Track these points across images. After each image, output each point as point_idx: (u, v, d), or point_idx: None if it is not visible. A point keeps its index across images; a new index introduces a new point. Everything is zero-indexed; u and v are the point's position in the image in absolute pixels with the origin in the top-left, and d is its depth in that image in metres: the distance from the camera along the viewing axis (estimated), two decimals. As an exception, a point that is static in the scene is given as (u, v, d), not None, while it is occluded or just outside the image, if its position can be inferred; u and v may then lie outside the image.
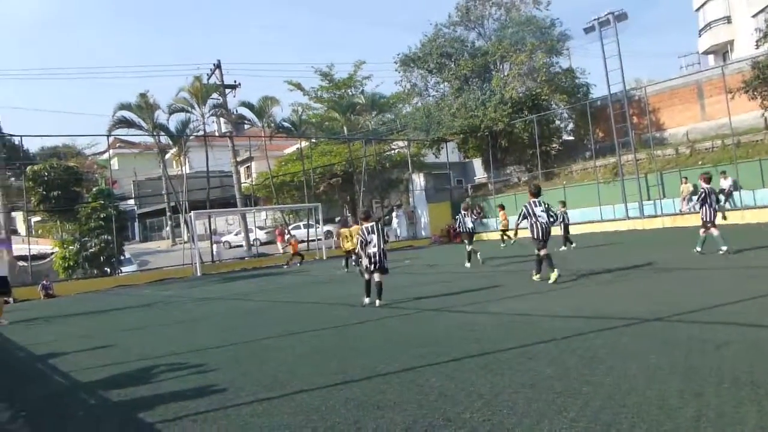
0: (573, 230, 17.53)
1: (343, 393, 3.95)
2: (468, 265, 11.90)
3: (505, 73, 32.94)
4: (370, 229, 8.99)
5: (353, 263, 15.60)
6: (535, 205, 9.78)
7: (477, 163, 37.76)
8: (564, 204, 17.88)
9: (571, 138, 35.24)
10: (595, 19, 25.99)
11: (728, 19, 38.34)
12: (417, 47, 34.84)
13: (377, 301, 8.67)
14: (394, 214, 33.47)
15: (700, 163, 24.62)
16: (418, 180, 34.14)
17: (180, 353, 6.26)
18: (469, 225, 13.99)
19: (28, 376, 6.08)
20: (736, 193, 21.96)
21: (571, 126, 35.05)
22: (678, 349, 4.25)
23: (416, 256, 20.76)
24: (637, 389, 3.39)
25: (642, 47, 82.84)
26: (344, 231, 16.62)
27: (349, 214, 36.80)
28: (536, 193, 10.03)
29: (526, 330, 5.61)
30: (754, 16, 33.60)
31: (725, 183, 22.06)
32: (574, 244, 16.43)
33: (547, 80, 31.54)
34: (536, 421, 3.01)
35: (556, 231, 23.91)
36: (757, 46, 24.60)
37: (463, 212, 14.24)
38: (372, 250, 8.82)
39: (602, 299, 7.16)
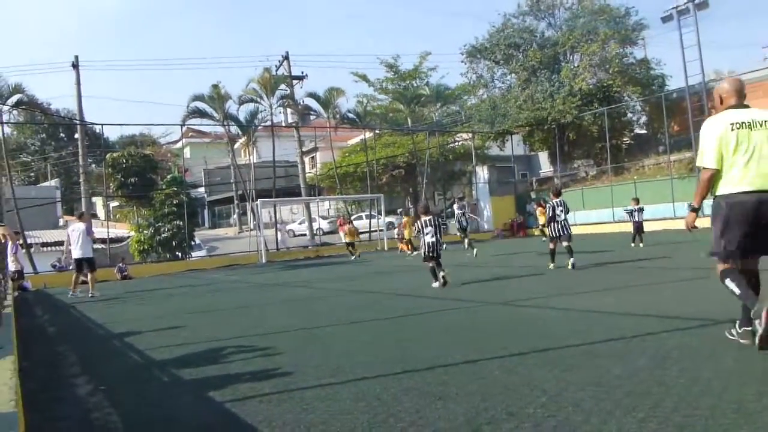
0: (645, 227, 16.88)
1: (405, 382, 3.97)
2: (551, 266, 11.69)
3: (576, 65, 32.04)
4: (428, 222, 9.99)
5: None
6: (557, 205, 11.39)
7: (543, 157, 36.98)
8: (637, 201, 17.24)
9: (644, 132, 33.95)
10: (673, 8, 24.89)
11: (822, 6, 35.73)
12: (484, 38, 34.33)
13: (440, 281, 9.75)
14: (455, 206, 33.17)
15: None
16: (482, 173, 33.79)
17: (246, 336, 6.46)
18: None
19: (106, 353, 6.43)
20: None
21: (644, 119, 33.78)
22: (755, 353, 4.02)
23: (480, 247, 20.59)
24: (712, 392, 3.24)
25: (723, 37, 78.68)
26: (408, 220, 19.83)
27: (411, 206, 36.82)
28: (558, 193, 11.83)
29: (592, 327, 5.47)
30: None
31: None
32: (642, 244, 15.81)
33: (620, 71, 30.48)
34: (603, 420, 2.93)
35: (618, 228, 23.17)
36: None
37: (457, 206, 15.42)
38: (429, 239, 9.87)
39: (675, 299, 6.88)
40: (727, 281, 4.10)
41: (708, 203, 4.39)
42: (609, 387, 3.48)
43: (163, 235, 24.27)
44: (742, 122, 4.04)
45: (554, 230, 11.51)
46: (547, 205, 11.67)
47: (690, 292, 7.44)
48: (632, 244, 16.02)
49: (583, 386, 3.53)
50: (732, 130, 4.04)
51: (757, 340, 3.85)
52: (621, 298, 7.24)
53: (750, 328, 4.05)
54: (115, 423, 3.68)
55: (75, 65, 25.97)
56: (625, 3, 32.49)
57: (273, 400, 3.80)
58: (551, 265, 11.45)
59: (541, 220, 21.19)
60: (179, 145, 48.14)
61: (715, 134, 4.11)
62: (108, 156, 26.73)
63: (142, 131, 54.63)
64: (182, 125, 31.67)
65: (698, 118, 25.29)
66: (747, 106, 4.20)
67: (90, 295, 13.26)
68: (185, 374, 4.79)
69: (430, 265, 10.05)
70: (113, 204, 42.39)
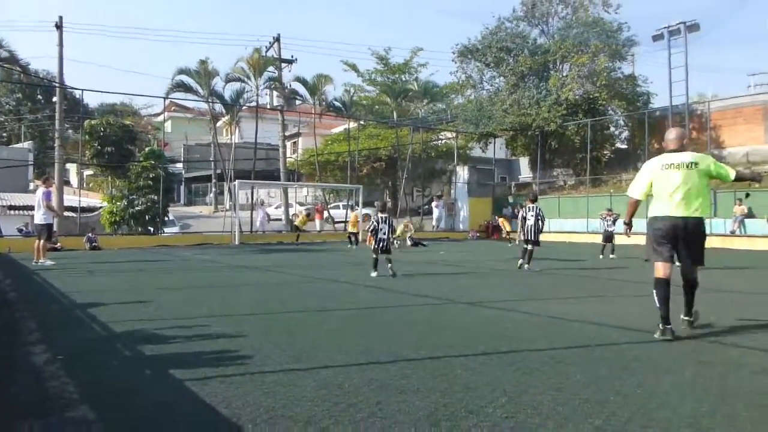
0: (617, 240, 17.11)
1: (367, 374, 3.98)
2: (527, 266, 12.38)
3: (564, 74, 32.30)
4: (383, 219, 11.22)
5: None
6: (529, 210, 12.52)
7: (523, 162, 37.28)
8: (610, 211, 17.47)
9: (625, 146, 34.39)
10: (665, 27, 25.22)
11: (806, 39, 36.57)
12: (477, 39, 34.40)
13: (386, 274, 10.84)
14: (433, 204, 33.31)
15: (756, 185, 23.71)
16: (462, 173, 33.92)
17: (213, 316, 6.41)
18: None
19: (67, 322, 6.31)
20: (792, 221, 21.10)
21: (626, 134, 34.20)
22: (713, 370, 4.13)
23: (452, 249, 20.69)
24: (668, 405, 3.31)
25: (710, 60, 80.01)
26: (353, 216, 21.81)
27: (389, 200, 36.84)
28: (534, 199, 12.89)
29: (558, 333, 5.53)
30: (834, 38, 31.95)
31: (782, 209, 21.25)
32: (612, 256, 16.03)
33: (607, 85, 30.81)
34: (560, 425, 2.97)
35: (591, 238, 23.52)
36: (834, 70, 23.43)
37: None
38: (381, 236, 11.11)
39: (639, 311, 6.99)
40: (654, 291, 5.40)
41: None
42: (568, 393, 3.52)
43: (136, 208, 23.88)
44: (671, 164, 5.29)
45: (524, 233, 12.50)
46: (522, 209, 12.73)
47: (654, 305, 7.56)
48: (600, 256, 16.23)
49: (544, 390, 3.57)
50: (663, 169, 5.33)
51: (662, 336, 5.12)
52: (587, 307, 7.34)
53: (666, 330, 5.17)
54: (71, 393, 3.62)
55: (58, 26, 25.34)
56: (619, 18, 32.83)
57: (234, 381, 3.78)
58: (524, 266, 12.38)
59: (506, 227, 24.98)
60: (161, 118, 47.40)
61: (649, 170, 5.43)
62: (86, 122, 26.15)
63: (124, 101, 53.64)
64: (165, 98, 31.12)
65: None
66: (684, 150, 5.38)
67: (34, 262, 13.06)
68: (147, 350, 4.73)
69: (374, 256, 11.15)
70: (87, 172, 41.60)
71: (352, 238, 23.03)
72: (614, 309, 7.20)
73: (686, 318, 5.55)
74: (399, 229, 21.91)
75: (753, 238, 21.59)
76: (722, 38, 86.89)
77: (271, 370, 4.05)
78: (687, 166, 5.23)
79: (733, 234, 22.33)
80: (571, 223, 28.58)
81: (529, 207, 12.66)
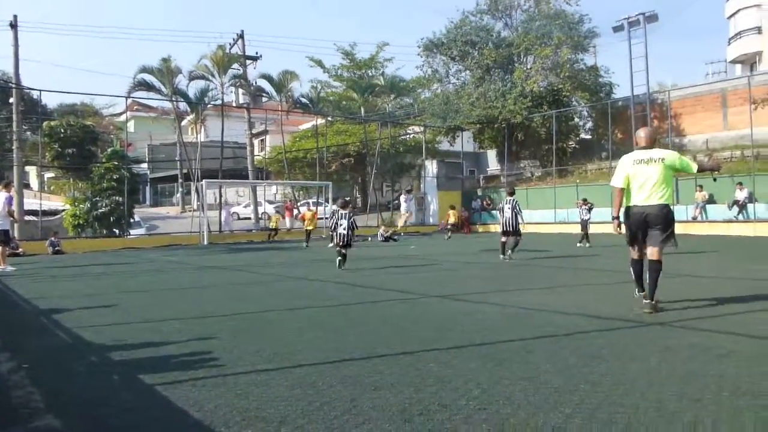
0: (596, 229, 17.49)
1: (341, 371, 3.97)
2: (501, 257, 12.87)
3: (528, 66, 32.66)
4: (343, 215, 11.70)
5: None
6: (506, 202, 12.92)
7: (491, 155, 37.60)
8: (585, 201, 17.79)
9: (589, 137, 34.97)
10: (624, 19, 25.66)
11: (759, 30, 37.76)
12: (442, 33, 34.54)
13: (342, 266, 11.38)
14: (402, 198, 33.36)
15: (717, 173, 24.37)
16: (431, 167, 34.07)
17: (182, 319, 6.32)
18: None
19: (31, 330, 6.15)
20: (750, 205, 21.75)
21: (590, 125, 34.80)
22: (679, 354, 4.23)
23: (422, 243, 20.78)
24: (636, 391, 3.38)
25: (669, 51, 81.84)
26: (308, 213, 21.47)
27: (359, 196, 36.82)
28: (511, 192, 13.34)
29: (528, 323, 5.61)
30: (785, 28, 33.02)
31: (740, 194, 21.89)
32: (588, 245, 16.27)
33: (570, 76, 31.25)
34: (531, 414, 3.01)
35: (559, 228, 23.91)
36: (787, 59, 24.22)
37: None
38: (341, 231, 11.59)
39: (607, 300, 7.13)
40: (631, 268, 6.42)
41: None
42: (539, 382, 3.57)
43: (100, 211, 23.40)
44: (641, 159, 6.08)
45: (502, 225, 12.89)
46: (501, 202, 13.26)
47: (622, 293, 7.72)
48: (578, 244, 16.45)
49: (515, 381, 3.62)
50: (634, 164, 6.12)
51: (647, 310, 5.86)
52: (557, 297, 7.46)
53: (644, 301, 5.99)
54: (37, 403, 3.53)
55: (13, 25, 24.61)
56: (580, 10, 33.33)
57: (206, 384, 3.73)
58: (501, 257, 12.76)
59: (452, 220, 25.32)
60: (123, 117, 46.40)
61: (624, 165, 6.25)
62: (45, 124, 25.50)
63: (84, 101, 52.37)
64: (127, 97, 30.48)
65: (641, 127, 26.23)
66: (653, 147, 6.23)
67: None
68: (115, 355, 4.64)
69: (336, 249, 11.86)
70: (48, 175, 40.55)
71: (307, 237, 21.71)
72: (582, 298, 7.33)
73: (647, 300, 5.93)
74: (400, 222, 24.07)
75: (714, 223, 22.20)
76: (681, 28, 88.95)
77: (243, 371, 4.02)
78: (655, 161, 5.99)
79: (694, 220, 22.92)
80: (539, 214, 28.95)
81: (506, 200, 13.05)
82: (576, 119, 34.10)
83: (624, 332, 5.11)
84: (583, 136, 35.10)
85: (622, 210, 6.31)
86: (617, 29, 26.31)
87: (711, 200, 23.07)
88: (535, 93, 31.04)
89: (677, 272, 9.66)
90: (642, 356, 4.21)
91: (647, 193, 5.97)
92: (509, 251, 12.80)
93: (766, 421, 2.87)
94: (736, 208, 22.02)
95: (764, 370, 3.77)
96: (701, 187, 22.96)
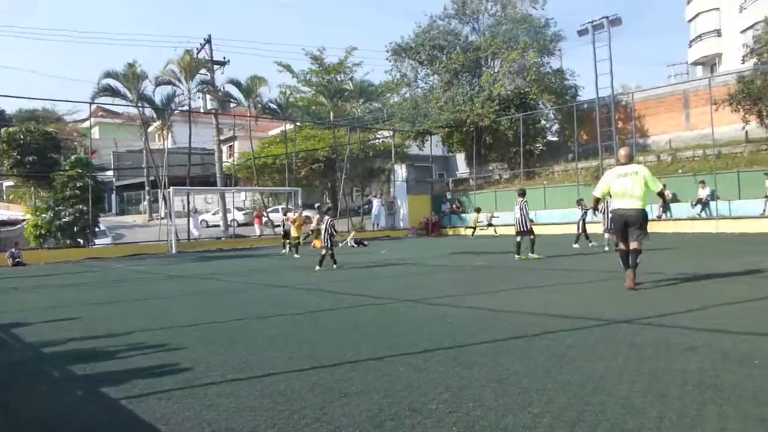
0: (552, 230, 17.60)
1: (311, 378, 3.94)
2: (516, 257, 13.30)
3: (496, 70, 33.00)
4: (328, 221, 13.16)
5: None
6: (516, 204, 13.63)
7: (460, 158, 37.84)
8: (578, 202, 17.83)
9: (556, 139, 35.47)
10: (589, 22, 26.09)
11: (718, 33, 38.82)
12: (410, 37, 34.68)
13: (318, 267, 12.70)
14: (374, 202, 33.39)
15: (680, 171, 24.98)
16: (400, 171, 34.14)
17: (149, 330, 6.20)
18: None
19: (-9, 344, 5.96)
20: (712, 203, 22.31)
21: (556, 127, 35.29)
22: (645, 351, 4.31)
23: (393, 248, 20.82)
24: (603, 389, 3.42)
25: (633, 53, 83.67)
26: (300, 219, 19.87)
27: (329, 202, 36.68)
28: (522, 193, 13.98)
29: (498, 325, 5.65)
30: (742, 32, 34.05)
31: (703, 192, 22.45)
32: (591, 243, 16.11)
33: (537, 80, 31.66)
34: (501, 416, 3.03)
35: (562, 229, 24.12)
36: (744, 61, 25.00)
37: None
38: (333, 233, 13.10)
39: (575, 300, 7.24)
40: (619, 257, 7.90)
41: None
42: (508, 384, 3.60)
43: (63, 220, 22.81)
44: (621, 173, 7.78)
45: (516, 226, 13.55)
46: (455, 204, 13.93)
47: (590, 293, 7.86)
48: (591, 243, 16.15)
49: (485, 383, 3.63)
50: (616, 177, 7.81)
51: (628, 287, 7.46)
52: (525, 298, 7.53)
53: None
54: (-6, 421, 3.42)
55: (-30, 32, 23.90)
56: (545, 14, 33.84)
57: (173, 396, 3.66)
58: (516, 257, 13.24)
59: (294, 231, 19.84)
60: (87, 124, 45.42)
61: (607, 178, 8.03)
62: (3, 130, 24.76)
63: (46, 106, 51.10)
64: (91, 103, 29.82)
65: (606, 128, 26.75)
66: (630, 163, 7.95)
67: None
68: (78, 369, 4.52)
69: (323, 252, 13.01)
70: (7, 183, 39.44)
71: (293, 244, 19.51)
72: (551, 298, 7.42)
73: (631, 268, 7.64)
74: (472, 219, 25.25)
75: (678, 221, 22.71)
76: (644, 31, 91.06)
77: (212, 382, 3.96)
78: (632, 174, 7.66)
79: (659, 218, 23.40)
80: (509, 216, 29.19)
81: (517, 201, 13.67)
82: (543, 122, 34.56)
83: (592, 331, 5.18)
84: (549, 138, 35.59)
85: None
86: (582, 33, 26.73)
87: (675, 199, 23.60)
88: (503, 96, 31.38)
89: (643, 269, 9.85)
90: (609, 354, 4.27)
91: (627, 201, 7.62)
92: (528, 252, 13.29)
93: (728, 415, 2.94)
94: (699, 206, 22.57)
95: (726, 364, 3.86)
96: (664, 186, 23.48)
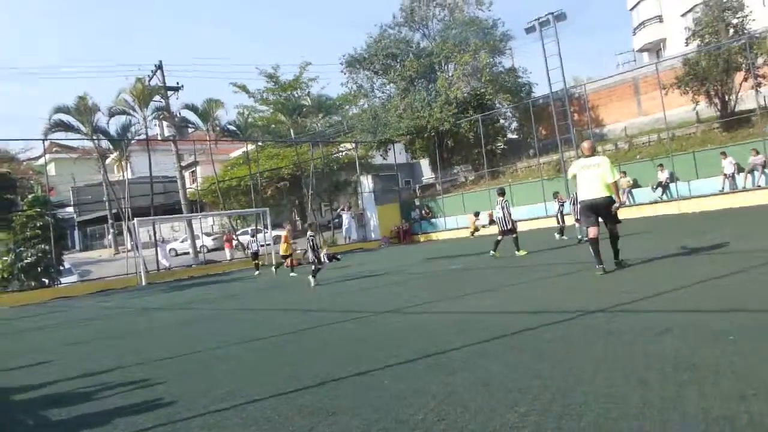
0: (520, 226, 17.69)
1: (297, 400, 3.90)
2: (492, 253, 13.60)
3: (450, 74, 33.37)
4: (312, 236, 13.76)
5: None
6: (497, 203, 13.87)
7: (424, 164, 38.08)
8: (555, 194, 18.36)
9: (516, 137, 35.99)
10: (535, 20, 26.59)
11: (660, 18, 40.00)
12: (363, 48, 34.87)
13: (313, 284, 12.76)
14: (344, 216, 33.29)
15: (638, 157, 25.58)
16: (367, 182, 34.17)
17: (125, 367, 6.05)
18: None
19: (-41, 399, 5.74)
20: (672, 185, 22.89)
21: (515, 125, 35.81)
22: (621, 338, 4.38)
23: (366, 259, 20.77)
24: (585, 380, 3.47)
25: (581, 46, 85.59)
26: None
27: (298, 218, 36.48)
28: (501, 193, 14.09)
29: (477, 328, 5.67)
30: (683, 15, 35.18)
31: (662, 175, 23.03)
32: (565, 237, 16.21)
33: (491, 80, 32.11)
34: (489, 418, 3.04)
35: (488, 230, 24.44)
36: (687, 44, 25.78)
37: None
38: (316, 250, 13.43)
39: (550, 294, 7.33)
40: (590, 246, 8.31)
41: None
42: (492, 385, 3.62)
43: (25, 261, 22.14)
44: (584, 165, 8.34)
45: (499, 225, 13.80)
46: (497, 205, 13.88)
47: (564, 286, 7.96)
48: (556, 236, 16.26)
49: (469, 387, 3.65)
50: (581, 168, 8.37)
51: (599, 273, 7.96)
52: (501, 298, 7.60)
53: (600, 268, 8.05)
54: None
55: None
56: (492, 15, 34.39)
57: (155, 434, 3.58)
58: (491, 253, 13.69)
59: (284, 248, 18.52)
60: (42, 161, 44.29)
61: (573, 169, 8.64)
62: (-45, 177, 24.01)
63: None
64: (44, 139, 29.09)
65: (562, 122, 27.24)
66: (593, 155, 8.42)
67: None
68: (53, 414, 4.39)
69: (317, 267, 13.27)
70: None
71: (278, 263, 19.32)
72: (526, 295, 7.50)
73: (616, 261, 8.37)
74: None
75: (641, 206, 23.22)
76: (589, 23, 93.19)
77: (194, 415, 3.88)
78: (594, 166, 8.21)
79: (623, 204, 23.88)
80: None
81: (497, 200, 13.90)
82: (501, 121, 35.04)
83: (569, 323, 5.24)
84: (510, 136, 36.10)
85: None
86: (529, 30, 27.22)
87: (636, 185, 24.14)
88: (460, 99, 31.73)
89: (610, 256, 10.04)
90: (587, 345, 4.34)
91: (594, 190, 8.15)
92: (514, 251, 13.50)
93: (708, 393, 3.01)
94: (659, 189, 23.13)
95: (700, 343, 3.96)
96: (624, 173, 24.01)
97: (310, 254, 13.56)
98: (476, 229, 26.25)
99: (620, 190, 9.72)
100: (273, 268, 19.71)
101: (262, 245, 28.27)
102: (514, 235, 13.65)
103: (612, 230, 8.29)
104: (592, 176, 8.16)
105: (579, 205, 8.77)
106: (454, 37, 32.70)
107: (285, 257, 18.50)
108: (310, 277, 13.04)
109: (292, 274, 17.63)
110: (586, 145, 8.65)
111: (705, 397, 2.96)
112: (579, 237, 14.63)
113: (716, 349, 3.74)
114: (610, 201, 8.13)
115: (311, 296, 11.07)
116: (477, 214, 27.07)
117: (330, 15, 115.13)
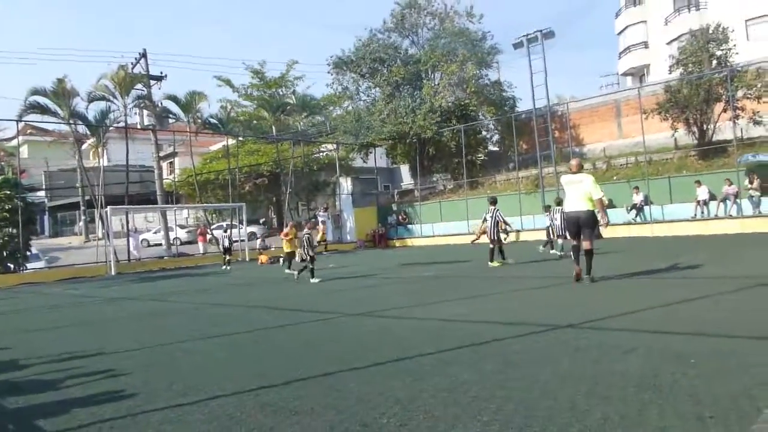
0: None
1: (260, 398, 3.87)
2: (490, 264, 13.49)
3: (436, 83, 33.52)
4: (308, 234, 13.64)
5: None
6: (488, 212, 13.83)
7: (404, 170, 38.16)
8: (546, 208, 17.66)
9: (497, 149, 36.30)
10: (524, 36, 26.87)
11: (646, 45, 40.77)
12: (351, 51, 34.85)
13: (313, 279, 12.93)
14: (318, 214, 33.17)
15: (615, 178, 25.96)
16: (346, 184, 34.12)
17: (88, 356, 5.94)
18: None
19: None
20: (646, 208, 23.28)
21: (496, 137, 36.12)
22: (588, 354, 4.43)
23: (341, 261, 20.68)
24: (549, 393, 3.50)
25: (567, 64, 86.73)
26: (292, 232, 16.75)
27: (274, 216, 36.24)
28: (493, 202, 14.08)
29: (446, 335, 5.69)
30: (668, 44, 35.87)
31: (637, 198, 23.42)
32: (552, 251, 15.67)
33: (476, 91, 32.35)
34: (451, 425, 3.05)
35: (465, 239, 24.43)
36: (670, 71, 26.27)
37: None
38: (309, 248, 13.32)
39: (521, 306, 7.39)
40: (571, 252, 9.22)
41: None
42: (457, 393, 3.63)
43: (-9, 245, 21.66)
44: (570, 181, 9.10)
45: (489, 234, 13.71)
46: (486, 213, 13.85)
47: (536, 300, 8.04)
48: (541, 248, 15.87)
49: (435, 393, 3.66)
50: (567, 184, 9.17)
51: (574, 278, 8.94)
52: (473, 307, 7.63)
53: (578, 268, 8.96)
54: None
55: None
56: (482, 28, 34.66)
57: (115, 426, 3.53)
58: (489, 264, 13.47)
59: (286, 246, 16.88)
60: (15, 142, 43.38)
61: (563, 182, 9.28)
62: (-76, 153, 23.39)
63: (-30, 127, 48.51)
64: (18, 121, 28.49)
65: (543, 138, 27.54)
66: (579, 172, 9.15)
67: None
68: (10, 402, 4.29)
69: (309, 265, 13.25)
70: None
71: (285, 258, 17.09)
72: (498, 306, 7.55)
73: (587, 276, 8.86)
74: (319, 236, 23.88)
75: (615, 226, 23.52)
76: (576, 43, 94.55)
77: (156, 408, 3.83)
78: (579, 183, 8.94)
79: (608, 224, 24.14)
80: (453, 225, 29.64)
81: (488, 209, 13.87)
82: (483, 132, 35.32)
83: (538, 336, 5.29)
84: (491, 148, 36.40)
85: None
86: (517, 46, 27.50)
87: (611, 205, 24.48)
88: (444, 108, 31.90)
89: (582, 275, 10.16)
90: (554, 359, 4.38)
91: (576, 204, 8.89)
92: (503, 259, 13.67)
93: (667, 414, 3.05)
94: (633, 211, 23.50)
95: (664, 364, 4.02)
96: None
97: (303, 251, 13.49)
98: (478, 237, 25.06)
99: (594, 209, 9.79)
100: (295, 273, 14.80)
101: (235, 241, 28.05)
102: (499, 244, 13.68)
103: (588, 245, 8.86)
104: (576, 191, 8.91)
105: (564, 216, 9.89)
106: (442, 46, 32.89)
107: (290, 254, 16.47)
108: (312, 279, 13.01)
109: (287, 271, 15.73)
110: (573, 162, 9.33)
111: (664, 417, 3.01)
112: (559, 253, 14.75)
113: (678, 372, 3.80)
114: (590, 214, 8.85)
115: (284, 294, 11.01)
116: (486, 220, 25.74)
117: (319, 16, 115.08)
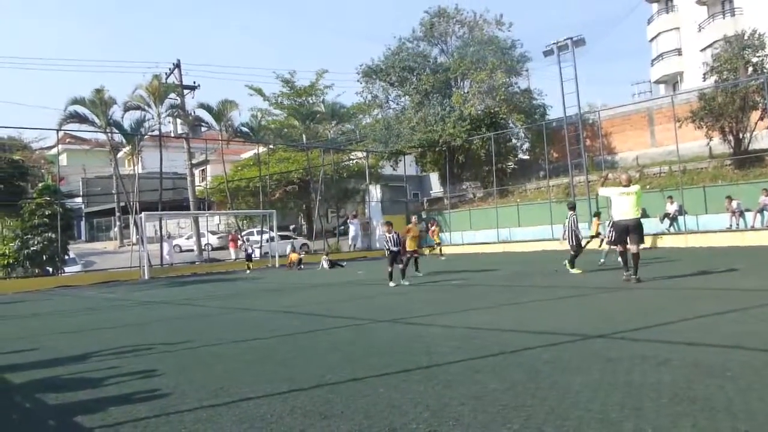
0: (526, 247, 17.58)
1: (290, 401, 3.91)
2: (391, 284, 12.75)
3: (465, 90, 33.45)
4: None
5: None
6: (566, 218, 13.86)
7: (434, 177, 38.09)
8: (596, 215, 17.51)
9: (527, 157, 36.00)
10: (554, 43, 26.67)
11: (679, 52, 40.05)
12: (380, 59, 35.04)
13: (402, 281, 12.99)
14: (349, 221, 33.30)
15: (648, 187, 25.50)
16: (375, 191, 34.22)
17: (124, 357, 6.08)
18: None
19: (-43, 377, 5.78)
20: (681, 218, 22.79)
21: (526, 145, 35.84)
22: (620, 365, 4.37)
23: (370, 268, 20.74)
24: (580, 403, 3.46)
25: (598, 73, 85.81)
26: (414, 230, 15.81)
27: (304, 223, 36.49)
28: (571, 207, 14.09)
29: (475, 343, 5.67)
30: (702, 50, 35.21)
31: (671, 207, 22.95)
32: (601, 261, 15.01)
33: (506, 99, 32.17)
34: (481, 433, 3.05)
35: (501, 248, 24.27)
36: (704, 79, 25.77)
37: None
38: (394, 249, 13.34)
39: (551, 315, 7.31)
40: (620, 257, 10.52)
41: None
42: (487, 401, 3.62)
43: (31, 248, 22.30)
44: (623, 192, 10.18)
45: (569, 239, 13.56)
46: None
47: (565, 309, 7.95)
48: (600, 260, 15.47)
49: (464, 401, 3.65)
50: (619, 195, 10.26)
51: (624, 279, 10.12)
52: (503, 315, 7.59)
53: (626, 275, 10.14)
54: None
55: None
56: (512, 36, 34.53)
57: (149, 424, 3.60)
58: (571, 270, 13.06)
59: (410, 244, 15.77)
60: (54, 151, 44.66)
61: (612, 192, 10.63)
62: (-32, 160, 24.26)
63: (12, 135, 50.04)
64: (58, 130, 29.37)
65: (574, 146, 27.23)
66: (630, 185, 10.23)
67: None
68: (50, 399, 4.42)
69: (401, 266, 13.48)
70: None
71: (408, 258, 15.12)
72: (526, 315, 7.49)
73: (635, 277, 9.94)
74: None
75: (647, 236, 23.06)
76: (608, 51, 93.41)
77: (188, 408, 3.90)
78: (631, 194, 10.06)
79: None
80: (482, 234, 29.48)
81: (567, 215, 13.80)
82: (513, 140, 35.10)
83: (567, 346, 5.23)
84: (521, 156, 36.14)
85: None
86: (547, 53, 27.31)
87: (644, 215, 24.05)
88: (473, 116, 31.81)
89: (617, 286, 10.03)
90: (585, 369, 4.33)
91: (628, 213, 9.98)
92: (566, 262, 13.36)
93: (702, 427, 3.00)
94: (667, 221, 23.04)
95: (698, 376, 3.94)
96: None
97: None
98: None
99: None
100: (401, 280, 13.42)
101: (258, 247, 28.49)
102: (573, 251, 13.17)
103: (636, 249, 9.88)
104: (628, 201, 10.03)
105: (614, 226, 10.61)
106: (471, 54, 32.84)
107: (414, 253, 15.37)
108: (402, 280, 13.17)
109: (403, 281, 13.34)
110: (624, 176, 10.51)
111: (698, 430, 2.95)
112: (601, 261, 14.58)
113: (713, 384, 3.72)
114: (638, 222, 9.97)
115: (314, 300, 11.08)
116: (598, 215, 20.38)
117: (349, 27, 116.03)
